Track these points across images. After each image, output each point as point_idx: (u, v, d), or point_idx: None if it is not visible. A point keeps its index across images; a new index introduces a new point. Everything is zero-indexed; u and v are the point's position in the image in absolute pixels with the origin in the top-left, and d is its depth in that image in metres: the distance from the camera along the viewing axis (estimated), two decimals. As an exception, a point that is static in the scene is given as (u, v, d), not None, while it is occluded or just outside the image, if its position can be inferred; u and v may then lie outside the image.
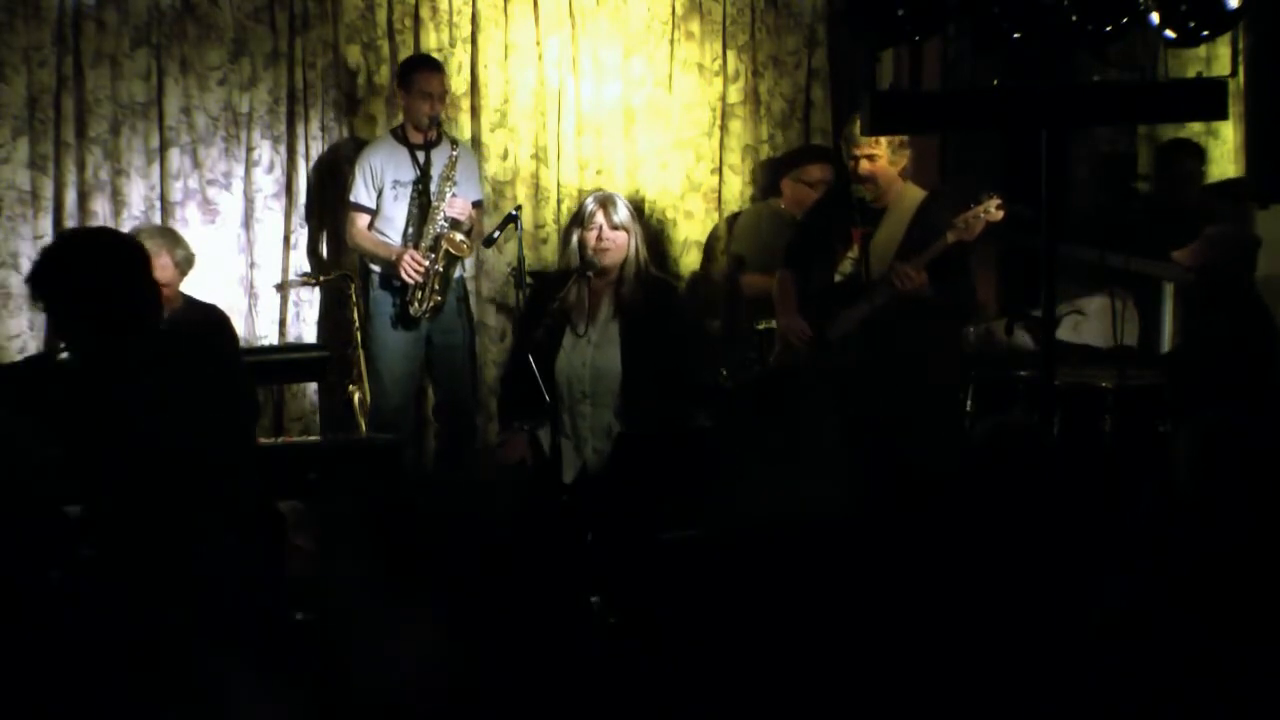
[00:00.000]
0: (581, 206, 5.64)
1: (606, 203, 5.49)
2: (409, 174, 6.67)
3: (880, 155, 5.57)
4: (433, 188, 6.63)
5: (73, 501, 3.84)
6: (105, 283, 3.69)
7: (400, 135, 6.73)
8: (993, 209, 5.41)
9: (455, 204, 6.60)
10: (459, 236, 6.58)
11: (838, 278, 5.67)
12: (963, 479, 3.34)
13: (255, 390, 4.31)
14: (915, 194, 5.68)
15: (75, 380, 3.75)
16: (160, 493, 3.60)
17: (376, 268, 6.74)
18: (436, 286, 6.61)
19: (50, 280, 3.73)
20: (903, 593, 2.75)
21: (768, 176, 7.36)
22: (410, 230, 6.68)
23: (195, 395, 3.71)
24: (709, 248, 7.45)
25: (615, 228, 5.42)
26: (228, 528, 3.65)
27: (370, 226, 6.73)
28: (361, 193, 6.70)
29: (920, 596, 2.75)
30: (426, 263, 6.56)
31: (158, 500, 3.59)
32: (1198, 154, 7.17)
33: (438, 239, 6.58)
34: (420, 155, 6.67)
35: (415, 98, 6.61)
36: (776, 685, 2.61)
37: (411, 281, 6.57)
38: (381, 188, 6.69)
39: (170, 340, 3.88)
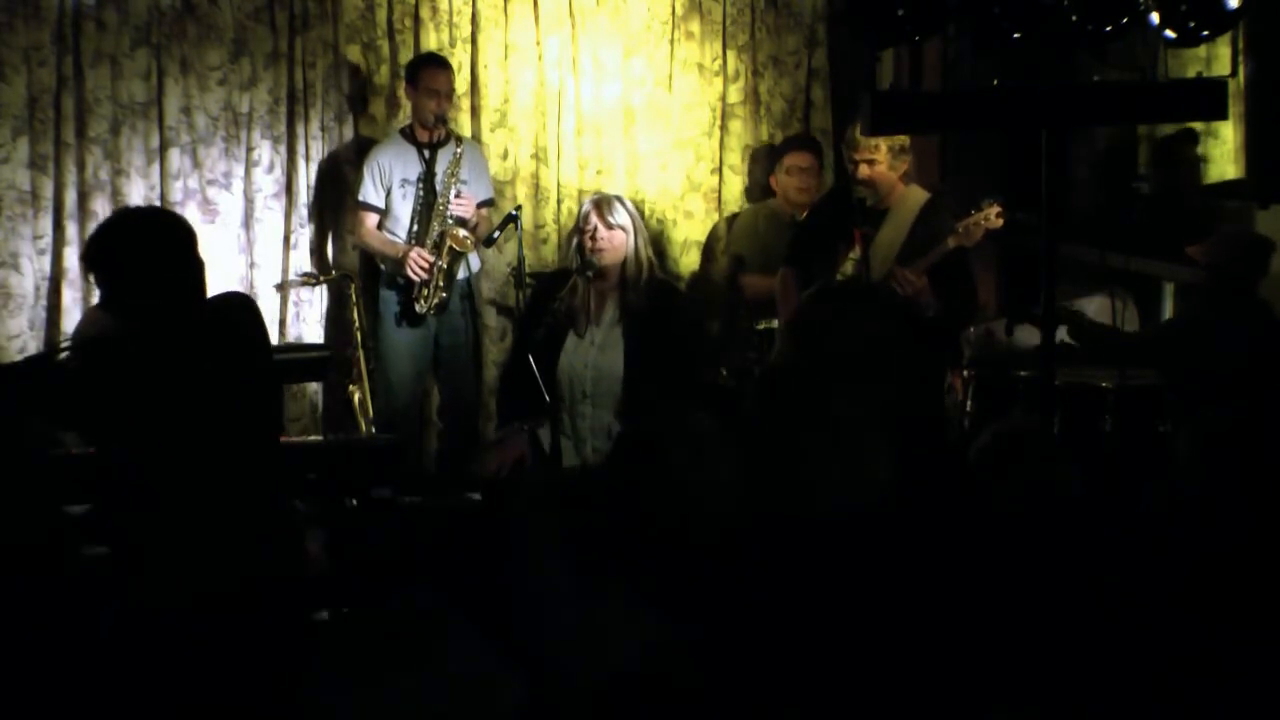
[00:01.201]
0: (579, 210, 5.64)
1: (601, 204, 5.48)
2: (416, 172, 6.69)
3: (880, 160, 5.58)
4: (438, 185, 6.64)
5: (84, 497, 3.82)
6: (157, 261, 3.69)
7: (408, 134, 6.75)
8: (993, 216, 5.41)
9: (461, 201, 6.61)
10: (462, 233, 6.59)
11: (839, 278, 5.68)
12: (966, 483, 3.34)
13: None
14: (918, 196, 5.68)
15: (121, 359, 3.74)
16: (197, 476, 3.59)
17: (384, 267, 6.75)
18: (441, 283, 6.63)
19: (103, 255, 3.74)
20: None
21: (761, 172, 7.37)
22: (416, 228, 6.69)
23: (238, 381, 3.72)
24: (709, 248, 7.45)
25: (611, 228, 5.41)
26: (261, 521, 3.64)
27: (379, 226, 6.74)
28: (370, 192, 6.71)
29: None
30: (432, 259, 6.57)
31: (195, 483, 3.59)
32: (1193, 139, 7.18)
33: (442, 235, 6.59)
34: (427, 153, 6.67)
35: (423, 95, 6.62)
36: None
37: (417, 278, 6.58)
38: (390, 186, 6.70)
39: (217, 326, 3.88)
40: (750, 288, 6.74)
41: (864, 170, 5.61)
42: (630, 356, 5.40)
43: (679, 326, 5.51)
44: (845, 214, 5.67)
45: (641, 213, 7.19)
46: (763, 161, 7.42)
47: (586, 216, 5.46)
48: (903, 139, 5.65)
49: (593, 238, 5.41)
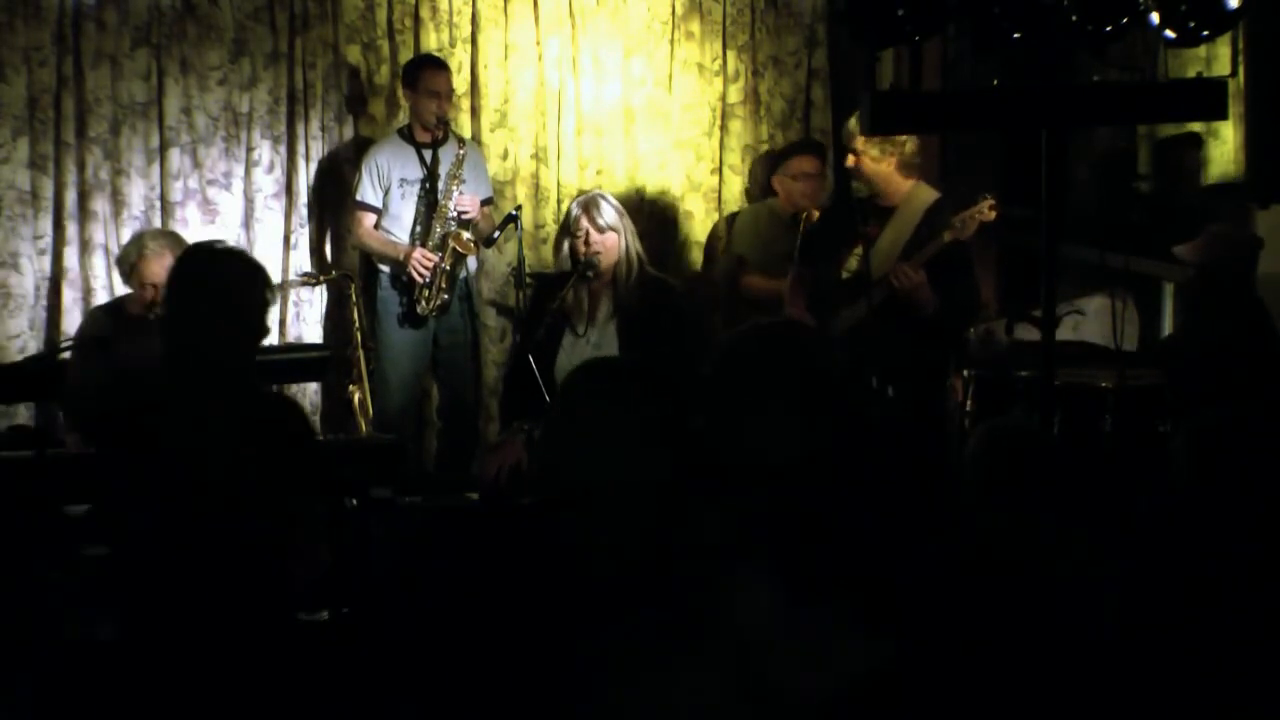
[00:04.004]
0: (567, 213, 5.61)
1: (589, 206, 5.45)
2: (416, 173, 6.68)
3: (861, 150, 5.64)
4: (440, 186, 6.64)
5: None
6: None
7: (407, 134, 6.74)
8: (985, 209, 5.43)
9: (463, 200, 6.61)
10: (465, 235, 6.60)
11: (845, 275, 5.69)
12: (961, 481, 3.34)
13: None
14: (926, 196, 5.69)
15: None
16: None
17: (385, 267, 6.75)
18: (443, 285, 6.63)
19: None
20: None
21: (763, 175, 7.37)
22: (418, 229, 6.70)
23: None
24: (709, 248, 7.45)
25: (602, 230, 5.39)
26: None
27: (377, 226, 6.74)
28: (368, 192, 6.71)
29: None
30: (435, 259, 6.57)
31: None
32: (1197, 144, 7.18)
33: (445, 237, 6.59)
34: (427, 154, 6.67)
35: (422, 96, 6.62)
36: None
37: (420, 279, 6.58)
38: (389, 187, 6.70)
39: None
40: (753, 288, 6.73)
41: (849, 160, 5.70)
42: (626, 354, 5.39)
43: (674, 322, 5.49)
44: (853, 213, 5.68)
45: (641, 213, 7.21)
46: (764, 162, 7.43)
47: (576, 221, 5.43)
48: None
49: (586, 242, 5.40)
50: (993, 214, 5.44)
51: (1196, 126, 7.31)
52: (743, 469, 2.82)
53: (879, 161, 5.66)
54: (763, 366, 2.94)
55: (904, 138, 5.64)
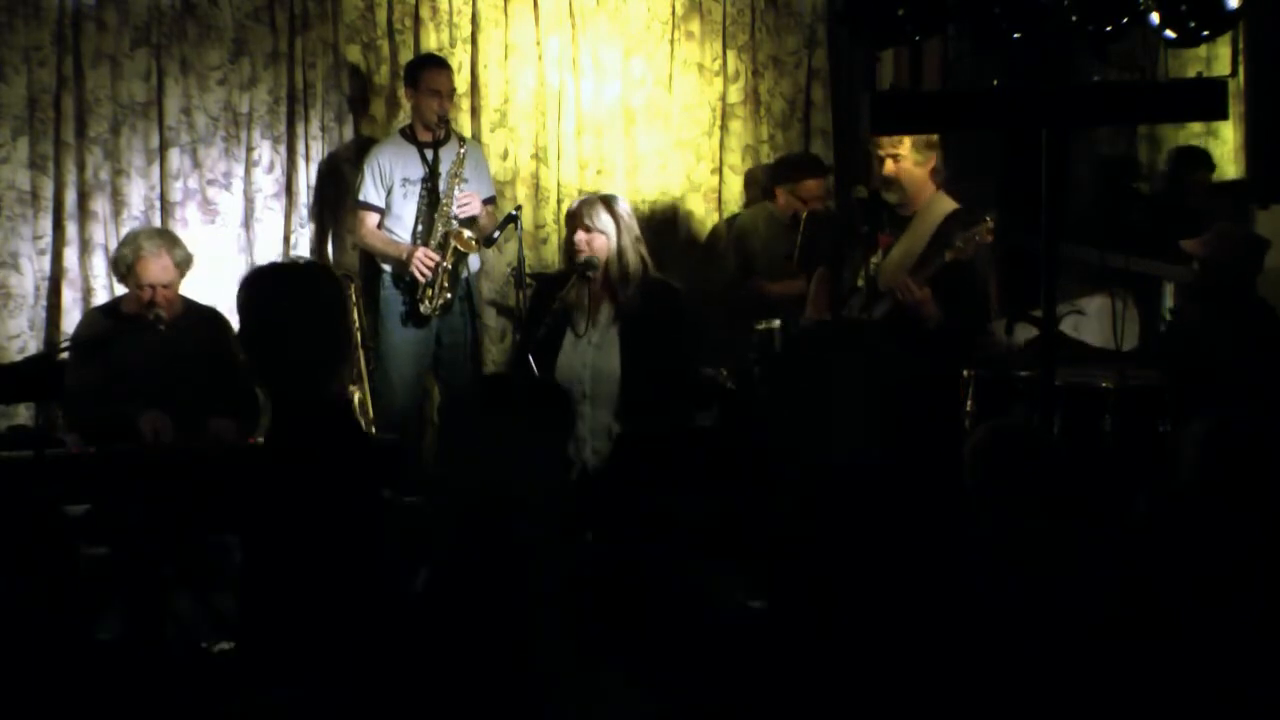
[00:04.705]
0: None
1: (583, 207, 5.46)
2: (418, 172, 6.68)
3: (904, 155, 5.41)
4: (441, 185, 6.64)
5: None
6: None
7: (408, 134, 6.74)
8: (984, 232, 5.35)
9: (464, 198, 6.61)
10: (467, 233, 6.59)
11: (860, 282, 5.64)
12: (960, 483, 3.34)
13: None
14: (945, 206, 5.52)
15: None
16: None
17: (387, 267, 6.75)
18: (446, 284, 6.63)
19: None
20: None
21: (765, 179, 7.35)
22: (420, 228, 6.70)
23: None
24: (709, 248, 7.45)
25: (590, 231, 5.39)
26: None
27: (380, 225, 6.74)
28: (371, 192, 6.71)
29: None
30: (437, 258, 6.57)
31: None
32: (1208, 165, 7.18)
33: (446, 236, 6.59)
34: (429, 153, 6.67)
35: (424, 95, 6.62)
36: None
37: (422, 279, 6.59)
38: (391, 186, 6.70)
39: None
40: (765, 292, 6.72)
41: (889, 167, 5.44)
42: (627, 356, 5.39)
43: (675, 325, 5.49)
44: (876, 219, 5.59)
45: (640, 212, 7.20)
46: (764, 168, 7.41)
47: (569, 220, 5.46)
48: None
49: (572, 241, 5.41)
50: (990, 237, 5.36)
51: (1197, 127, 7.32)
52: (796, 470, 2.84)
53: (920, 166, 5.45)
54: (822, 369, 2.97)
55: (933, 137, 5.51)
